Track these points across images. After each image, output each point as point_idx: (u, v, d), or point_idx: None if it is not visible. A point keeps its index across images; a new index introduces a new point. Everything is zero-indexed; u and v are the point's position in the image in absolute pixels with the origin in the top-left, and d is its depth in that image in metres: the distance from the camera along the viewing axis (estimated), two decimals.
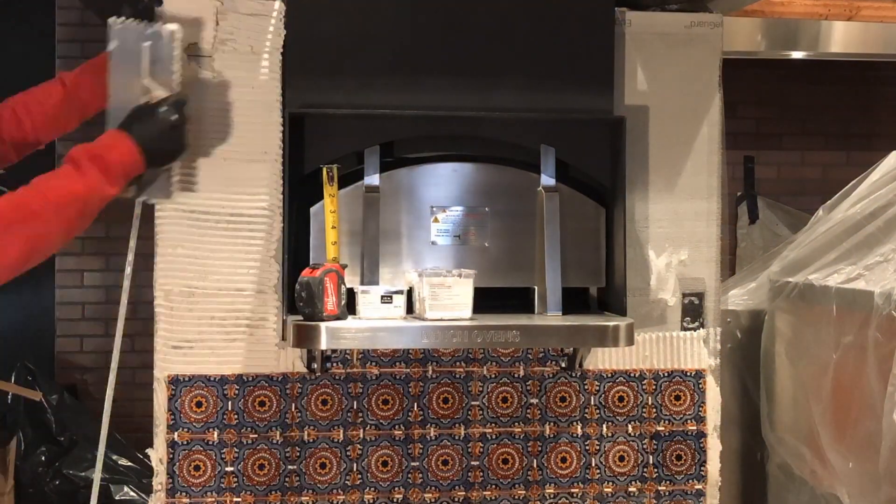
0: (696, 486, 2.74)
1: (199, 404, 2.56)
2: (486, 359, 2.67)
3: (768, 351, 3.28)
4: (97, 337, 5.36)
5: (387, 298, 2.33)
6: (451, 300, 2.33)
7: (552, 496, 2.70)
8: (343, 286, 2.31)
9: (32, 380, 4.83)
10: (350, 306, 2.38)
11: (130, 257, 3.97)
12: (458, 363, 2.66)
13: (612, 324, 2.37)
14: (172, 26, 2.34)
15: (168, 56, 2.33)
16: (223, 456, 2.57)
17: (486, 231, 2.53)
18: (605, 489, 2.71)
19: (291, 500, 2.60)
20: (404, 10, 2.52)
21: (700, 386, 2.74)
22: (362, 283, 2.42)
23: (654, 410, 2.72)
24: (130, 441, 4.80)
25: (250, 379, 2.58)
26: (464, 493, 2.67)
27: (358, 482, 2.63)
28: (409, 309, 2.39)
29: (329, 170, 2.41)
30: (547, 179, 2.53)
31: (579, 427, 2.71)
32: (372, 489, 2.63)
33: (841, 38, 4.66)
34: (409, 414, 2.64)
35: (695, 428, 2.74)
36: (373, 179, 2.47)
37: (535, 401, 2.69)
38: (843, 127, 5.97)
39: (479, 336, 2.30)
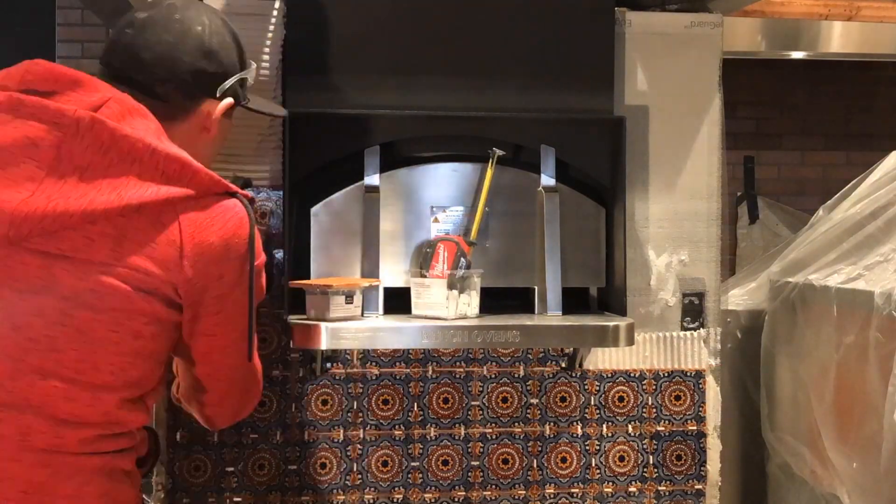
0: (696, 486, 2.74)
1: None
2: (486, 359, 2.67)
3: (768, 351, 3.28)
4: None
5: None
6: (430, 299, 2.34)
7: (552, 496, 2.70)
8: (462, 258, 2.35)
9: None
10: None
11: None
12: (458, 363, 2.66)
13: (612, 324, 2.37)
14: None
15: None
16: (223, 456, 2.57)
17: (485, 231, 2.53)
18: (606, 489, 2.71)
19: (291, 500, 2.60)
20: (404, 10, 2.52)
21: (700, 386, 2.74)
22: None
23: (655, 410, 2.72)
24: None
25: None
26: (464, 493, 2.67)
27: (358, 482, 2.63)
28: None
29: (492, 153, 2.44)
30: (547, 179, 2.53)
31: (579, 427, 2.71)
32: (372, 489, 2.63)
33: (841, 39, 4.66)
34: (410, 414, 2.64)
35: (695, 428, 2.74)
36: (373, 179, 2.47)
37: (535, 401, 2.69)
38: (843, 127, 5.97)
39: (479, 336, 2.30)
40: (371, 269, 2.42)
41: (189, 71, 1.92)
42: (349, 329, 2.27)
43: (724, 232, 2.80)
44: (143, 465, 1.97)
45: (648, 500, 2.73)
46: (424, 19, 2.52)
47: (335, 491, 2.62)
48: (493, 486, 2.68)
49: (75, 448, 1.75)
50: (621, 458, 2.72)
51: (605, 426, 2.71)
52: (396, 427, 2.64)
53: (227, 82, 1.98)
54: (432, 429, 2.66)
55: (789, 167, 5.94)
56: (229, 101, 1.99)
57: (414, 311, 2.35)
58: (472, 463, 2.67)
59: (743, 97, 5.52)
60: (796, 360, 3.11)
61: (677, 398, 2.73)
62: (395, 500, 2.65)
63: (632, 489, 2.72)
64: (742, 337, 3.39)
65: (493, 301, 2.48)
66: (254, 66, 2.11)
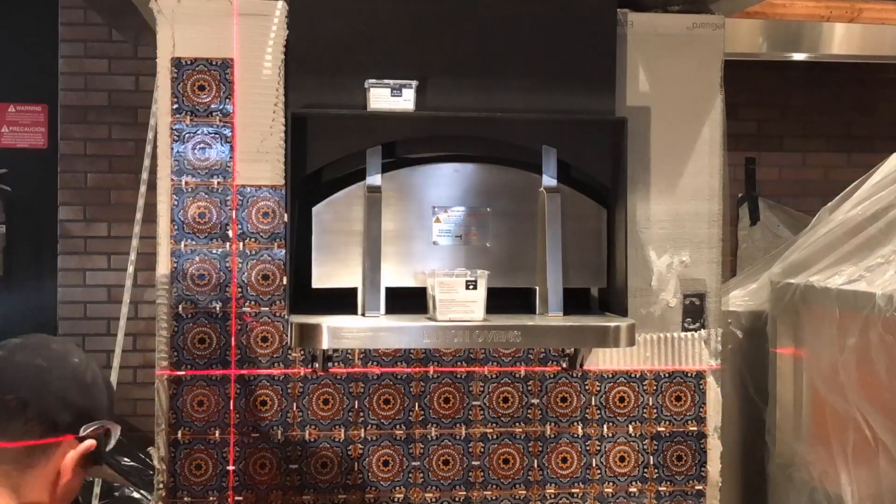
0: (697, 487, 2.75)
1: (200, 403, 2.57)
2: (487, 359, 2.67)
3: (770, 352, 3.29)
4: (99, 336, 5.36)
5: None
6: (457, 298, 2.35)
7: (553, 496, 2.70)
8: None
9: None
10: (350, 305, 2.39)
11: (133, 256, 3.98)
12: (459, 363, 2.66)
13: (612, 324, 2.38)
14: None
15: None
16: (224, 455, 2.58)
17: (487, 231, 2.53)
18: (606, 489, 2.71)
19: (292, 499, 2.61)
20: (406, 10, 2.52)
21: (701, 387, 2.74)
22: (363, 284, 2.42)
23: (655, 411, 2.73)
24: (132, 440, 4.80)
25: (252, 378, 2.58)
26: (464, 492, 2.67)
27: (359, 482, 2.63)
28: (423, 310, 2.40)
29: None
30: (548, 180, 2.53)
31: (580, 427, 2.71)
32: (373, 489, 2.64)
33: (842, 40, 4.66)
34: (411, 414, 2.65)
35: (695, 428, 2.74)
36: (375, 179, 2.47)
37: (535, 401, 2.69)
38: (845, 128, 5.97)
39: (480, 336, 2.30)
40: (372, 269, 2.43)
41: (57, 395, 1.71)
42: (350, 329, 2.28)
43: (725, 233, 2.80)
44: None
45: (649, 501, 2.73)
46: (426, 20, 2.53)
47: (336, 490, 2.63)
48: (494, 486, 2.68)
49: None
50: (622, 459, 2.72)
51: (605, 426, 2.72)
52: (397, 427, 2.65)
53: (93, 423, 1.75)
54: (433, 428, 2.66)
55: (790, 168, 5.94)
56: (91, 442, 1.73)
57: (439, 315, 2.33)
58: (473, 463, 2.68)
59: (744, 98, 5.51)
60: (798, 361, 3.11)
61: (678, 399, 2.74)
62: (395, 500, 2.65)
63: (632, 489, 2.73)
64: (743, 338, 3.39)
65: (494, 301, 2.48)
66: (119, 428, 1.81)
